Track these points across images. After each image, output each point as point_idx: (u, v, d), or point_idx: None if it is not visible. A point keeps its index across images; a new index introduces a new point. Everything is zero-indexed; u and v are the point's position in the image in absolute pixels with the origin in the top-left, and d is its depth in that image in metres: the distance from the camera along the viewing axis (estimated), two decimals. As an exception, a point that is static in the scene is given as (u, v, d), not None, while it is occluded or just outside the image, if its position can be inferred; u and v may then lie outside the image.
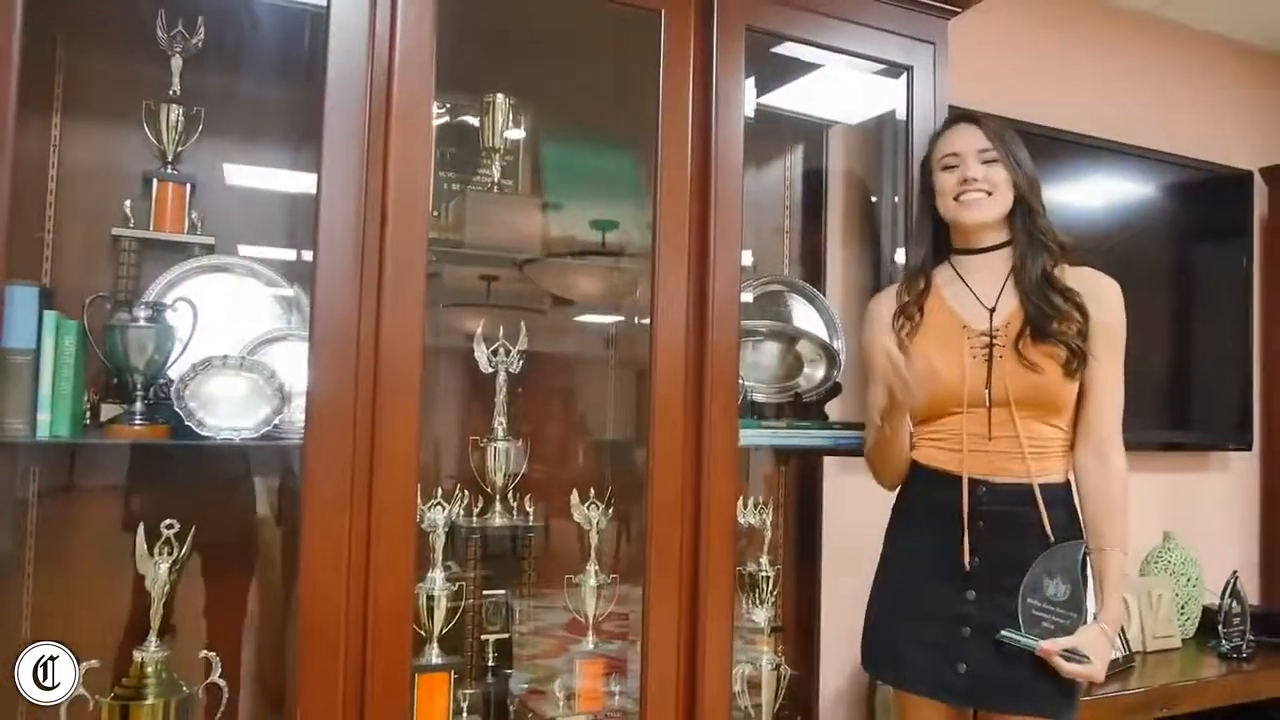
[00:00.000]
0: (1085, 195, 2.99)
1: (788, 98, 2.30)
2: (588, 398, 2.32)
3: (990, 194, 1.65)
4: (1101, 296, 1.64)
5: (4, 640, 1.66)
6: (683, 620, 1.71)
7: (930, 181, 1.74)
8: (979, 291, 1.68)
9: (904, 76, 2.01)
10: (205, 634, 1.76)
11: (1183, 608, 2.84)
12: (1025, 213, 1.67)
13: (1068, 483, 1.65)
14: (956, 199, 1.66)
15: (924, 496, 1.69)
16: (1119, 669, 2.53)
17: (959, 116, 1.74)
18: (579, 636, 1.91)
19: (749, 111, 2.18)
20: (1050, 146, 2.82)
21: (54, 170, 1.76)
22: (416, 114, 1.55)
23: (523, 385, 2.07)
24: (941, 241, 1.76)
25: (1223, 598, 2.81)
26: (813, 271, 2.43)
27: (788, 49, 2.03)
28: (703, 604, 1.71)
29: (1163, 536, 2.89)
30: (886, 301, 1.77)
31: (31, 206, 1.73)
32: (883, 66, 2.06)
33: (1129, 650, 2.59)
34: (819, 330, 2.26)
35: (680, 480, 1.72)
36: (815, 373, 2.14)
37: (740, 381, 1.84)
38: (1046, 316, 1.60)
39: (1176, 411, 3.21)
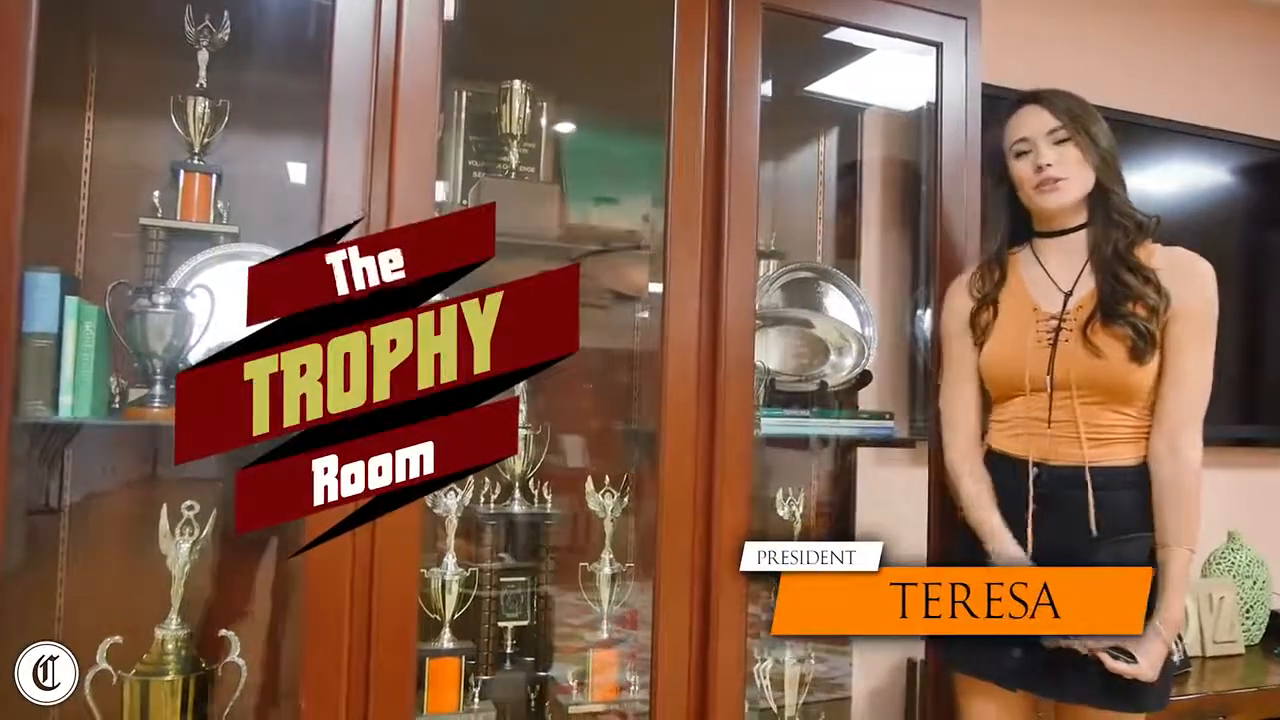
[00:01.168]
0: (1150, 180, 2.85)
1: (821, 81, 2.26)
2: (621, 387, 2.31)
3: (1065, 178, 1.59)
4: (1192, 281, 1.57)
5: (38, 619, 1.73)
6: (694, 618, 1.68)
7: (1006, 171, 1.68)
8: (1056, 274, 1.64)
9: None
10: (227, 613, 1.80)
11: (1248, 611, 2.69)
12: (1101, 192, 1.61)
13: (1139, 466, 1.58)
14: (1035, 187, 1.61)
15: (993, 479, 1.66)
16: (1174, 673, 2.40)
17: (1023, 99, 1.67)
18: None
19: (785, 96, 2.15)
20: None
21: (88, 163, 1.82)
22: (422, 105, 1.56)
23: (552, 379, 2.07)
24: (1019, 227, 1.71)
25: (1292, 602, 2.66)
26: (848, 258, 2.38)
27: (820, 32, 1.99)
28: (715, 601, 1.68)
29: (1227, 536, 2.74)
30: (963, 287, 1.73)
31: (66, 198, 1.80)
32: (921, 49, 1.99)
33: (1185, 655, 2.46)
34: (851, 318, 2.20)
35: (693, 473, 1.69)
36: (844, 361, 2.09)
37: (763, 367, 1.81)
38: (1117, 296, 1.55)
39: (1248, 405, 3.05)
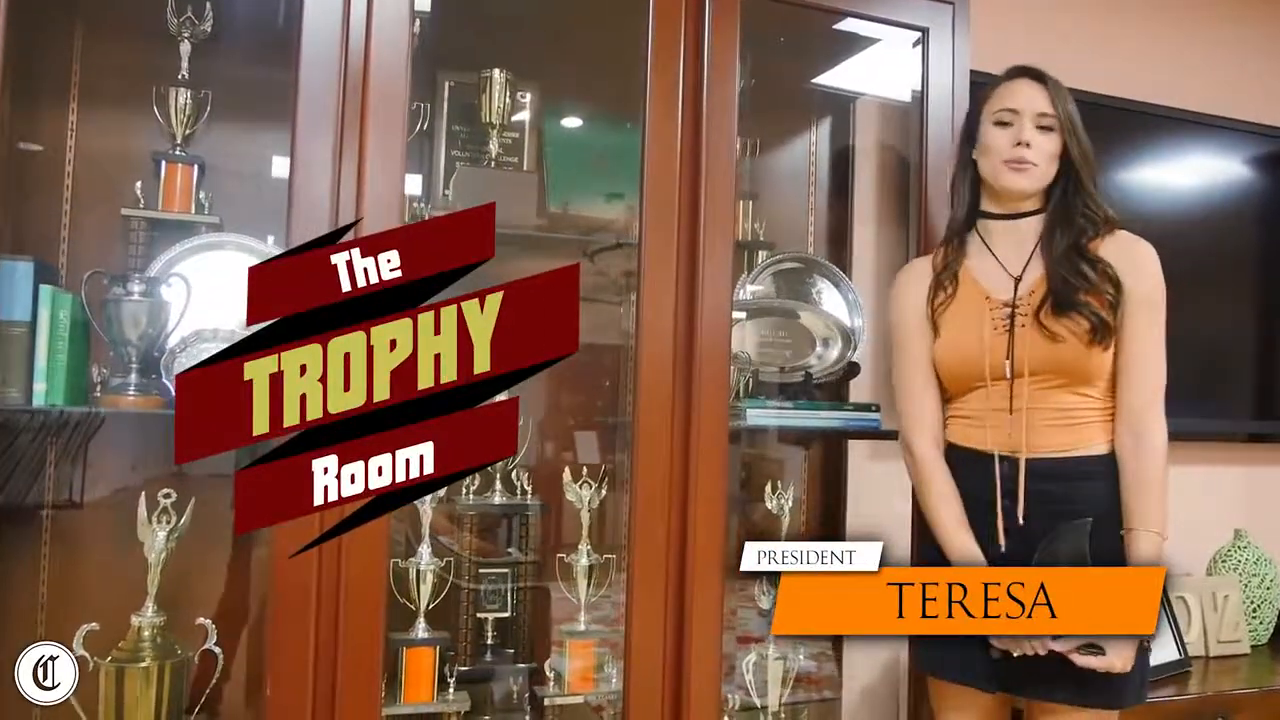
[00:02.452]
0: (1158, 173, 2.79)
1: (813, 69, 2.23)
2: (605, 381, 2.30)
3: (1037, 165, 1.57)
4: (1137, 264, 1.55)
5: (21, 609, 1.75)
6: (669, 610, 1.67)
7: (976, 133, 1.64)
8: (1005, 260, 1.61)
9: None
10: (204, 602, 1.81)
11: (1255, 611, 2.63)
12: (1071, 185, 1.59)
13: (1110, 455, 1.56)
14: (1006, 161, 1.58)
15: (955, 475, 1.61)
16: (1173, 673, 2.36)
17: (1024, 71, 1.64)
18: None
19: (774, 84, 2.13)
20: (1116, 119, 2.64)
21: (71, 154, 1.83)
22: (392, 97, 1.55)
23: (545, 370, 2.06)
24: (975, 200, 1.67)
25: (1301, 602, 2.59)
26: (839, 250, 2.35)
27: (810, 20, 1.97)
28: (690, 596, 1.66)
29: (1233, 534, 2.68)
30: (917, 277, 1.69)
31: (49, 189, 1.81)
32: (912, 37, 1.97)
33: (1186, 654, 2.41)
34: (840, 309, 2.18)
35: (668, 466, 1.67)
36: (830, 353, 2.07)
37: (746, 357, 1.79)
38: (1073, 287, 1.52)
39: (1261, 400, 2.98)
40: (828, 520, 2.30)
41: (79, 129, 1.84)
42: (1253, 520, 2.75)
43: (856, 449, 2.31)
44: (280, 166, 1.96)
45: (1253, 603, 2.63)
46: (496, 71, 1.93)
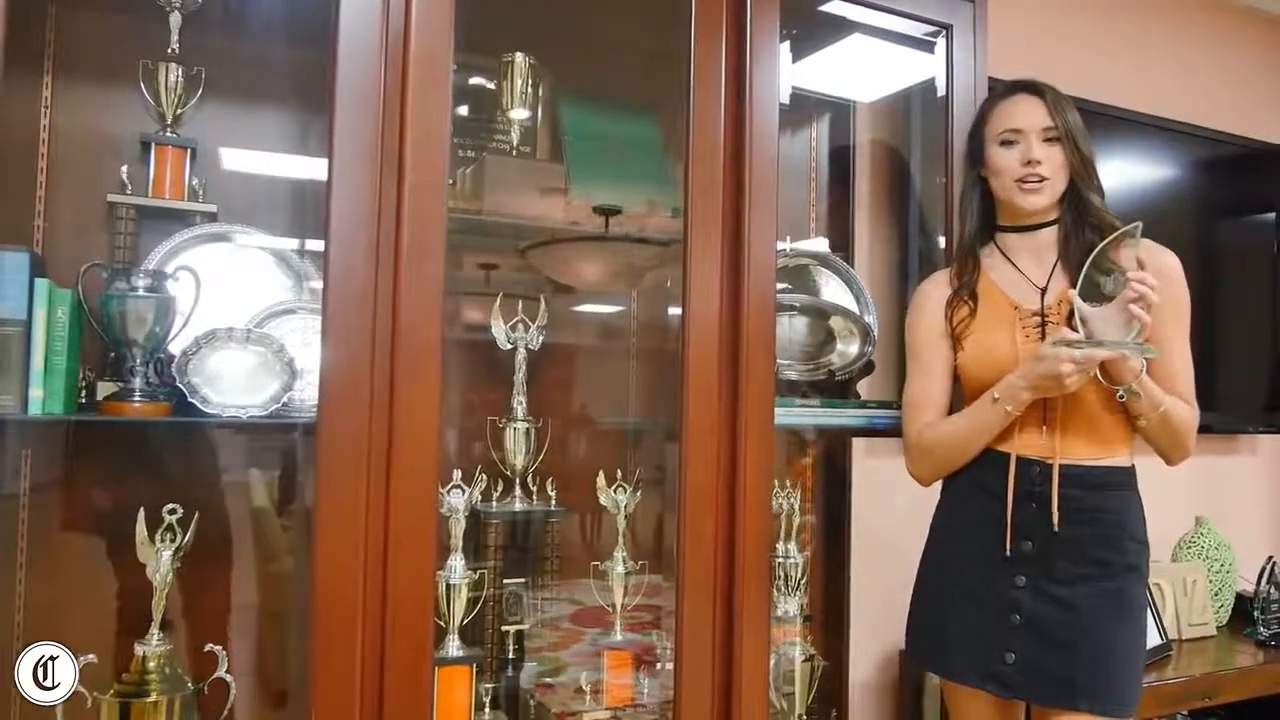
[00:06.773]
0: (1106, 170, 2.87)
1: (816, 67, 2.20)
2: (609, 384, 2.22)
3: (1049, 179, 1.57)
4: (1163, 273, 1.55)
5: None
6: (718, 608, 1.61)
7: (980, 154, 1.64)
8: (1028, 271, 1.62)
9: (936, 47, 1.93)
10: (208, 626, 1.66)
11: (1216, 594, 2.75)
12: (1076, 195, 1.59)
13: (1133, 467, 1.58)
14: (1018, 181, 1.57)
15: (974, 477, 1.60)
16: (1157, 658, 2.43)
17: (1022, 86, 1.63)
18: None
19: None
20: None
21: (46, 134, 1.65)
22: (435, 72, 1.44)
23: (543, 374, 1.98)
24: (988, 217, 1.67)
25: (1258, 584, 2.72)
26: (841, 246, 2.33)
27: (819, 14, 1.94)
28: (739, 591, 1.61)
29: (1195, 521, 2.79)
30: (937, 289, 1.68)
31: (22, 172, 1.63)
32: (912, 39, 1.97)
33: (1165, 638, 2.50)
34: (850, 306, 2.16)
35: (715, 463, 1.61)
36: (848, 349, 2.04)
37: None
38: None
39: (1204, 394, 3.10)
40: (832, 514, 2.28)
41: (55, 105, 1.65)
42: (1204, 509, 2.88)
43: (857, 445, 2.31)
44: (280, 149, 1.82)
45: (1214, 586, 2.75)
46: (519, 55, 1.83)
